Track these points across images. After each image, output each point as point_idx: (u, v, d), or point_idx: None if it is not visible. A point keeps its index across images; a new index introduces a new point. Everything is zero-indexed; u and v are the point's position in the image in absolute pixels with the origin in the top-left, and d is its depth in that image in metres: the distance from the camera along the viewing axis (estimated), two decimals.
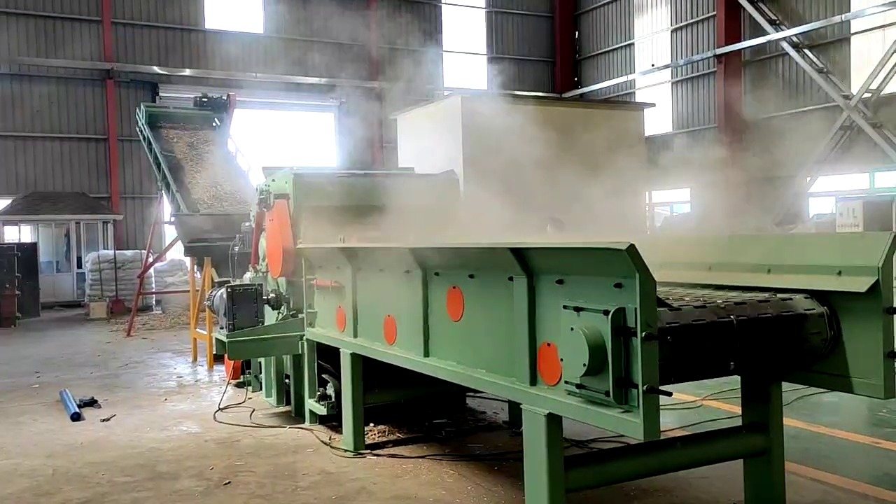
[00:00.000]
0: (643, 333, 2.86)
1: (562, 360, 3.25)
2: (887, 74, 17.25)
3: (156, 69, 21.59)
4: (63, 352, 11.33)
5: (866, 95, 17.48)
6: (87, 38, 21.11)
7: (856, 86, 17.89)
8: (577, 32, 27.09)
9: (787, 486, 4.12)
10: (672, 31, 23.21)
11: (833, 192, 17.29)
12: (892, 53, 16.94)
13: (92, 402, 7.55)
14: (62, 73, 20.93)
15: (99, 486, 5.12)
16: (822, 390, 5.99)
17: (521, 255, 3.51)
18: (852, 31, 18.31)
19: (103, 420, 6.94)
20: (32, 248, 18.22)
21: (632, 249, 2.84)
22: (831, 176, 18.75)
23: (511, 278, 3.64)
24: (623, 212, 15.99)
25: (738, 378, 4.08)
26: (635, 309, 2.89)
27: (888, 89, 17.43)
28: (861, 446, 5.53)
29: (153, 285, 17.19)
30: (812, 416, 6.21)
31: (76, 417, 6.98)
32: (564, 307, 3.20)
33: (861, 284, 3.35)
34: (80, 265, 19.68)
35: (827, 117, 18.44)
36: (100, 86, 21.32)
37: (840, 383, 3.52)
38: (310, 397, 6.32)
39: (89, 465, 5.56)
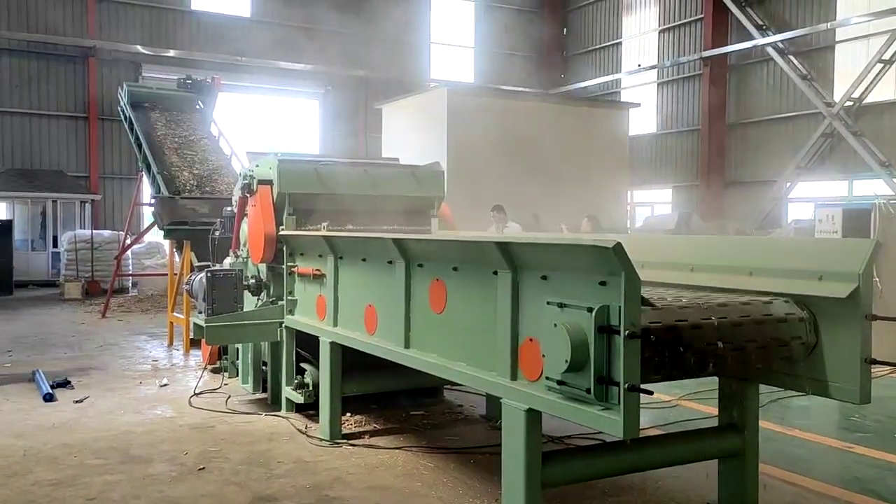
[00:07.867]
0: (626, 332, 2.87)
1: (544, 355, 3.24)
2: (869, 84, 17.44)
3: (139, 49, 21.27)
4: (36, 331, 11.17)
5: (848, 104, 17.67)
6: (69, 13, 20.77)
7: (838, 94, 18.08)
8: (564, 29, 27.11)
9: (760, 488, 4.17)
10: (660, 32, 23.30)
11: (812, 199, 17.46)
12: (875, 63, 17.13)
13: (65, 384, 7.46)
14: (43, 48, 20.58)
15: (70, 467, 5.06)
16: (798, 393, 6.06)
17: (507, 250, 3.51)
18: (837, 40, 18.50)
19: (76, 402, 6.86)
20: (7, 225, 17.95)
21: (618, 248, 2.84)
22: (810, 182, 18.96)
23: (495, 272, 3.63)
24: (604, 210, 16.10)
25: (714, 379, 4.11)
26: (619, 307, 2.89)
27: (870, 98, 17.63)
28: (833, 450, 5.60)
29: (130, 267, 17.01)
30: (786, 419, 6.28)
31: (49, 398, 6.89)
32: (548, 303, 3.19)
33: (841, 290, 3.38)
34: (55, 244, 19.42)
35: (809, 124, 18.63)
36: (81, 63, 20.99)
37: (817, 387, 3.56)
38: (287, 385, 6.28)
39: (61, 447, 5.49)
